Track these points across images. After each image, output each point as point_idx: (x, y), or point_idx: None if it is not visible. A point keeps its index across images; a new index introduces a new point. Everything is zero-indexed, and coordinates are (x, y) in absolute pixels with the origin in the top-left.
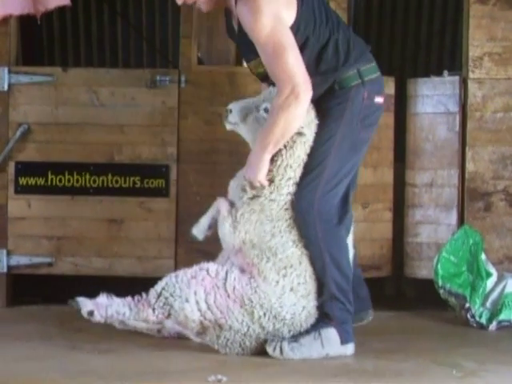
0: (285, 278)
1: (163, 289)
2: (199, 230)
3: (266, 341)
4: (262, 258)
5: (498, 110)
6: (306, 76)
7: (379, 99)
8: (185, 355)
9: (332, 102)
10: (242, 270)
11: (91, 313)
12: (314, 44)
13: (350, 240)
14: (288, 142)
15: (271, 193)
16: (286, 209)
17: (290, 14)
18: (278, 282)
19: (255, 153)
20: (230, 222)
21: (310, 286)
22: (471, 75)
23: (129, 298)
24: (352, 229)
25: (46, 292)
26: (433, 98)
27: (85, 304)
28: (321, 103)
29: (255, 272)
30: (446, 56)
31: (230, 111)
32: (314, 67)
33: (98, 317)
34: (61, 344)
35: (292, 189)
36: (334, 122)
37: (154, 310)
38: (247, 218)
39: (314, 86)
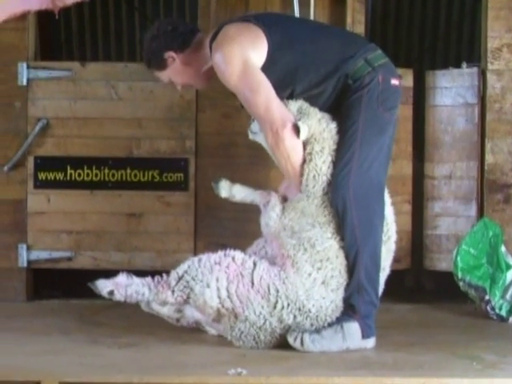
0: (319, 270)
1: (185, 272)
2: (226, 189)
3: (281, 335)
4: (299, 249)
5: None
6: (280, 111)
7: (395, 81)
8: (204, 349)
9: (350, 96)
10: (273, 263)
11: (111, 292)
12: (300, 58)
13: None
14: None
15: (308, 197)
16: (325, 206)
17: (259, 53)
18: (310, 274)
19: (288, 182)
20: (278, 210)
21: (343, 279)
22: (490, 66)
23: (149, 279)
24: (392, 218)
25: (65, 286)
26: (451, 90)
27: (105, 285)
28: (341, 101)
29: (288, 263)
30: (465, 47)
31: (253, 120)
32: (313, 76)
33: (117, 296)
34: (80, 338)
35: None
36: (354, 109)
37: (173, 292)
38: (293, 207)
39: (324, 93)
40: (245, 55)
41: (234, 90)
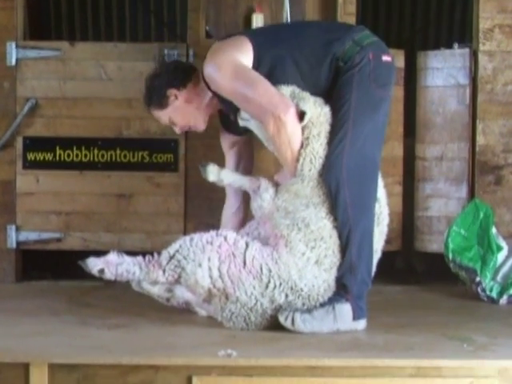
0: (313, 250)
1: (177, 251)
2: (214, 173)
3: (271, 316)
4: (293, 228)
5: (508, 82)
6: (279, 97)
7: (387, 58)
8: (194, 330)
9: (341, 76)
10: (265, 244)
11: (102, 271)
12: (288, 53)
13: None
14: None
15: (302, 180)
16: (320, 187)
17: (246, 56)
18: (304, 253)
19: (286, 176)
20: (271, 192)
21: (336, 259)
22: (482, 47)
23: (140, 258)
24: (384, 200)
25: (54, 267)
26: (443, 71)
27: (95, 263)
28: (333, 84)
29: (282, 243)
30: (456, 28)
31: None
32: (304, 66)
33: (108, 274)
34: (70, 319)
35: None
36: (345, 88)
37: (164, 271)
38: (287, 189)
39: (319, 81)
40: (232, 58)
41: (230, 92)
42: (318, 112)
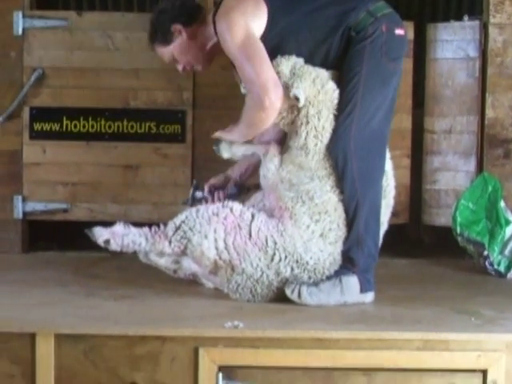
0: (317, 223)
1: (183, 222)
2: (227, 149)
3: (278, 288)
4: (297, 201)
5: None
6: (274, 85)
7: (400, 31)
8: (201, 302)
9: (353, 47)
10: (271, 215)
11: (107, 241)
12: (302, 18)
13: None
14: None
15: (306, 153)
16: (327, 160)
17: (260, 21)
18: (308, 226)
19: (230, 129)
20: (276, 162)
21: (341, 232)
22: (492, 20)
23: (146, 229)
24: (391, 172)
25: (61, 238)
26: (452, 44)
27: (101, 233)
28: (344, 54)
29: (286, 215)
30: (466, 0)
31: None
32: (317, 34)
33: (113, 245)
34: (76, 290)
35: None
36: (356, 60)
37: (170, 242)
38: (291, 160)
39: (330, 50)
40: (246, 24)
41: (233, 56)
42: (317, 90)
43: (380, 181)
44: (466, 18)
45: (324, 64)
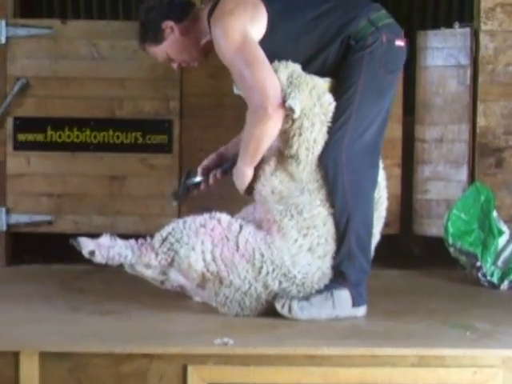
0: (305, 237)
1: (169, 234)
2: None
3: (267, 301)
4: (286, 214)
5: (510, 62)
6: (275, 91)
7: (400, 42)
8: (189, 316)
9: (351, 56)
10: (259, 227)
11: (92, 253)
12: (302, 26)
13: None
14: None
15: (298, 164)
16: (318, 171)
17: (258, 26)
18: (296, 240)
19: (238, 165)
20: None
21: (330, 247)
22: (483, 27)
23: (132, 241)
24: (383, 184)
25: (46, 251)
26: (443, 51)
27: (86, 244)
28: (342, 62)
29: (274, 229)
30: (455, 7)
31: None
32: (316, 42)
33: (99, 257)
34: (61, 305)
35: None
36: (354, 69)
37: (157, 254)
38: (284, 168)
39: (328, 59)
40: (244, 29)
41: (229, 63)
42: (313, 102)
43: (372, 194)
44: (456, 25)
45: (320, 71)
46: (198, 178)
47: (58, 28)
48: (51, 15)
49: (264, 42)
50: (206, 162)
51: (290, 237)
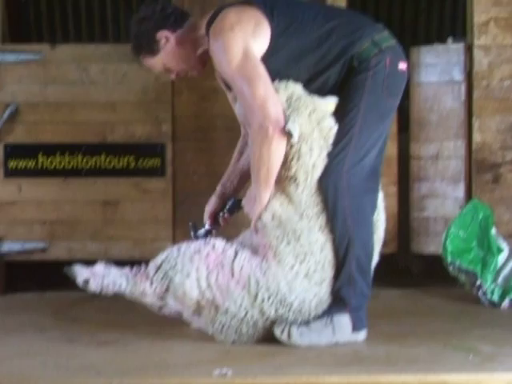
0: (302, 263)
1: (163, 261)
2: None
3: (264, 328)
4: (283, 240)
5: (505, 77)
6: (276, 109)
7: (403, 66)
8: (187, 346)
9: (354, 77)
10: (256, 252)
11: (87, 281)
12: (306, 44)
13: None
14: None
15: (297, 186)
16: (318, 195)
17: (261, 41)
18: (292, 266)
19: (253, 193)
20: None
21: (327, 273)
22: (477, 42)
23: (127, 270)
24: (382, 205)
25: (40, 278)
26: (437, 67)
27: (81, 272)
28: (344, 83)
29: (270, 254)
30: (447, 22)
31: None
32: (319, 61)
33: (93, 285)
34: (56, 336)
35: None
36: (356, 92)
37: (151, 282)
38: (283, 189)
39: (329, 79)
40: (245, 44)
41: (230, 79)
42: (312, 127)
43: (372, 218)
44: (450, 40)
45: (321, 90)
46: (207, 227)
47: (47, 52)
48: (40, 38)
49: (266, 59)
50: (209, 208)
51: (286, 263)
